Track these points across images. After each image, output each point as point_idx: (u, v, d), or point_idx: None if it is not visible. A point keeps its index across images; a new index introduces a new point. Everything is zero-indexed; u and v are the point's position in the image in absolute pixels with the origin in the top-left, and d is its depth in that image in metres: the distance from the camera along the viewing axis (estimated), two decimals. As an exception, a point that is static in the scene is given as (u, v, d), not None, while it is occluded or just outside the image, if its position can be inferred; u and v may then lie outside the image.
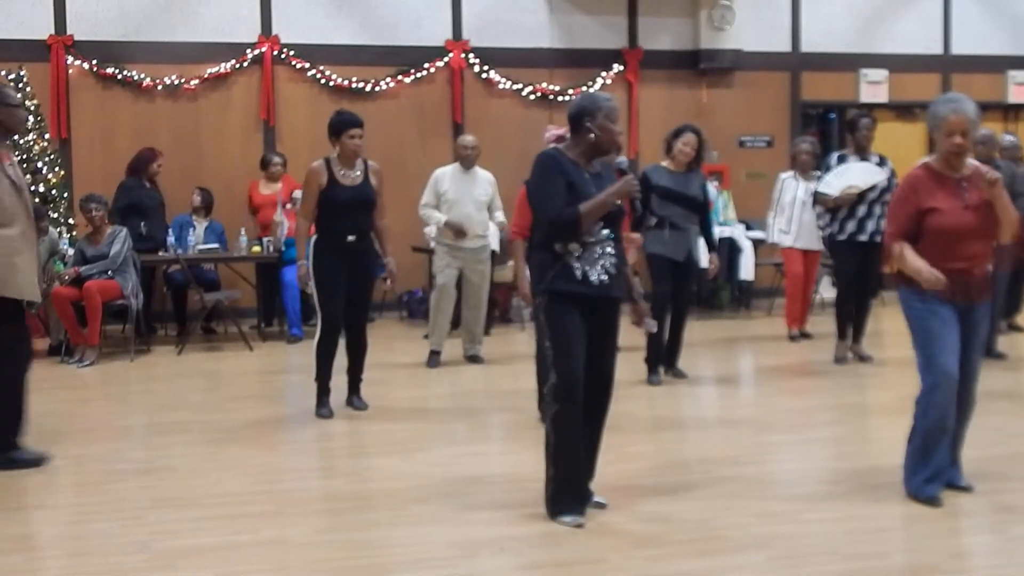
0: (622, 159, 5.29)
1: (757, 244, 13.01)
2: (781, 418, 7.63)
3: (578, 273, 5.16)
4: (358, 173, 7.60)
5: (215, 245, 11.49)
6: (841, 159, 9.52)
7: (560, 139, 6.31)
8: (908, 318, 5.51)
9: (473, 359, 9.85)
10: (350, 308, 7.63)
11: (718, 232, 12.59)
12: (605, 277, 5.19)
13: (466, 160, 9.67)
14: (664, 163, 8.79)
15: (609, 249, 5.22)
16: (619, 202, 5.25)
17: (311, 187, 7.55)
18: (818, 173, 10.11)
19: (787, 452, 6.71)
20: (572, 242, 5.16)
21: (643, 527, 5.17)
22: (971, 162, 5.49)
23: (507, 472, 6.19)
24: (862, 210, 9.35)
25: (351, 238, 7.54)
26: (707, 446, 6.89)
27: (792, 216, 10.68)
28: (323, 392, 7.70)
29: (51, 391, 8.95)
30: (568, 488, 5.25)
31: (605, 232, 5.21)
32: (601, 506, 5.38)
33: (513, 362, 10.00)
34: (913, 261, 5.34)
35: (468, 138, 9.89)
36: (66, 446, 6.99)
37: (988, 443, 6.55)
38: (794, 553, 4.83)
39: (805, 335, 10.99)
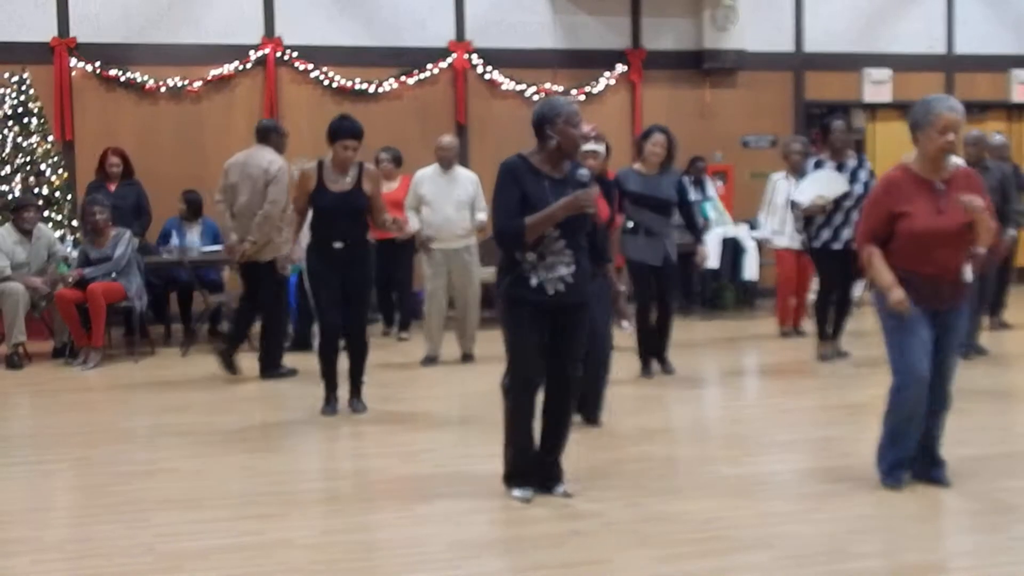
0: (583, 171, 5.30)
1: (761, 244, 13.00)
2: (784, 417, 7.63)
3: (533, 282, 5.30)
4: (349, 179, 7.53)
5: (216, 246, 11.47)
6: (818, 164, 9.42)
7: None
8: (880, 318, 5.57)
9: (466, 358, 9.87)
10: (346, 311, 7.62)
11: (721, 232, 12.66)
12: (561, 287, 5.32)
13: (444, 161, 9.67)
14: (636, 166, 8.74)
15: (567, 259, 5.31)
16: (591, 210, 5.31)
17: (301, 187, 7.61)
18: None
19: (790, 451, 6.70)
20: (528, 251, 5.27)
21: (647, 527, 5.17)
22: (956, 160, 5.45)
23: (511, 473, 6.18)
24: (839, 218, 9.26)
25: (337, 245, 7.51)
26: (710, 445, 6.89)
27: (786, 217, 10.67)
28: (329, 390, 7.75)
29: (55, 393, 8.97)
30: (517, 468, 5.57)
31: (561, 243, 5.29)
32: (567, 496, 5.54)
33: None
34: (882, 276, 5.37)
35: (445, 139, 9.89)
36: (70, 448, 7.01)
37: (987, 442, 6.55)
38: (798, 552, 4.83)
39: (800, 332, 11.00)
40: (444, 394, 8.74)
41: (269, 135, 9.34)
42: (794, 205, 9.45)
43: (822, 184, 9.26)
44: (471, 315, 9.92)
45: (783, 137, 12.57)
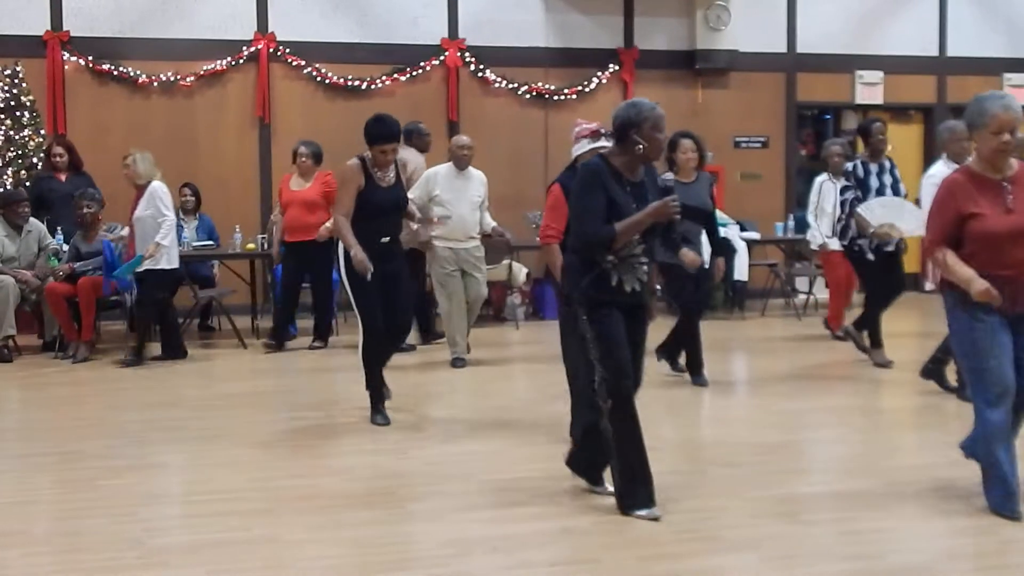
0: (667, 176, 5.29)
1: (751, 245, 13.02)
2: (774, 419, 7.63)
3: (613, 281, 5.25)
4: (392, 175, 7.40)
5: (209, 242, 11.47)
6: (864, 167, 9.28)
7: (595, 134, 6.27)
8: (952, 329, 5.31)
9: (457, 363, 9.62)
10: (390, 314, 7.40)
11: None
12: (638, 286, 5.31)
13: (461, 160, 9.64)
14: (669, 175, 8.57)
15: (643, 259, 5.32)
16: (677, 217, 5.28)
17: (349, 187, 7.28)
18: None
19: (781, 453, 6.70)
20: (608, 253, 5.23)
21: (636, 527, 5.17)
22: (1013, 162, 5.27)
23: (500, 471, 6.18)
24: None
25: (385, 240, 7.34)
26: (700, 446, 6.89)
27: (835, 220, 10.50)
28: (377, 399, 7.46)
29: (44, 387, 8.96)
30: (635, 480, 5.26)
31: (642, 246, 5.30)
32: (654, 519, 5.24)
33: (507, 362, 10.02)
34: (962, 270, 5.12)
35: (464, 138, 9.86)
36: (59, 442, 7.00)
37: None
38: (787, 553, 4.84)
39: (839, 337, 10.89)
40: (436, 392, 8.73)
41: (411, 136, 10.45)
42: (856, 216, 9.17)
43: (897, 214, 9.03)
44: (471, 320, 9.84)
45: (828, 142, 12.25)
